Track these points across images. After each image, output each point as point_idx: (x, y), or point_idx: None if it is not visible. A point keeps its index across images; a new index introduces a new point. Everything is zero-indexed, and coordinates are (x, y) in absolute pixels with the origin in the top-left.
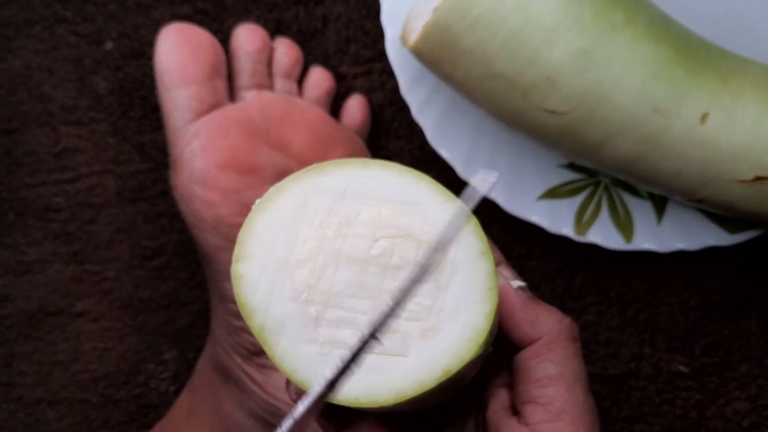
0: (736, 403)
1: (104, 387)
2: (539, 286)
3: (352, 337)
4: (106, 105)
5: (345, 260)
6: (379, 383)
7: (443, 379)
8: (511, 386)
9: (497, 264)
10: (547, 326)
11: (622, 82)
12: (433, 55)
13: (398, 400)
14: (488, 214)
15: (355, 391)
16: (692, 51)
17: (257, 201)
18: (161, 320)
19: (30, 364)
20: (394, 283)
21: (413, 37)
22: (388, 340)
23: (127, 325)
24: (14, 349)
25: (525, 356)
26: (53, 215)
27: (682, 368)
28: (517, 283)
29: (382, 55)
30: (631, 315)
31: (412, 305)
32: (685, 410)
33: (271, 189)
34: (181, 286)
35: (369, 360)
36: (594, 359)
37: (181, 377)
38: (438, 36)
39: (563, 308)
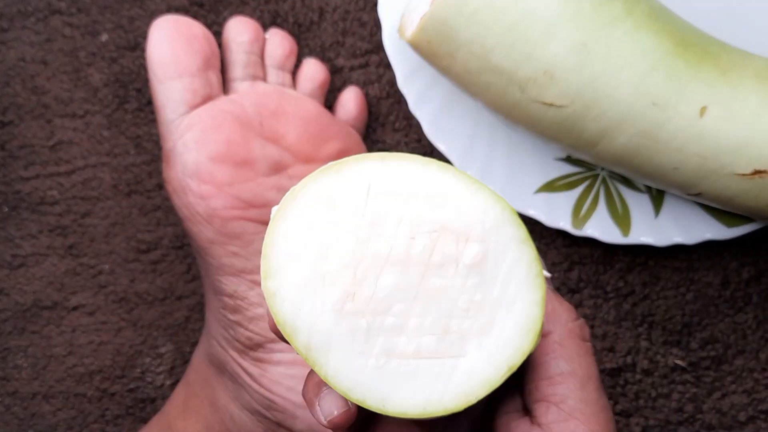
0: (733, 397)
1: (100, 381)
2: None
3: (408, 344)
4: (101, 97)
5: (384, 263)
6: (444, 389)
7: (509, 374)
8: (522, 383)
9: None
10: (560, 322)
11: (621, 75)
12: (431, 48)
13: (468, 404)
14: None
15: (420, 402)
16: (691, 43)
17: (274, 209)
18: (157, 314)
19: (25, 357)
20: (440, 281)
21: (410, 29)
22: (444, 342)
23: (122, 318)
24: (9, 343)
25: (537, 351)
26: (48, 208)
27: (678, 362)
28: (544, 273)
29: (378, 48)
30: (628, 309)
31: (462, 302)
32: (681, 404)
33: (288, 193)
34: (177, 279)
35: (427, 366)
36: None
37: (176, 371)
38: (435, 29)
39: None
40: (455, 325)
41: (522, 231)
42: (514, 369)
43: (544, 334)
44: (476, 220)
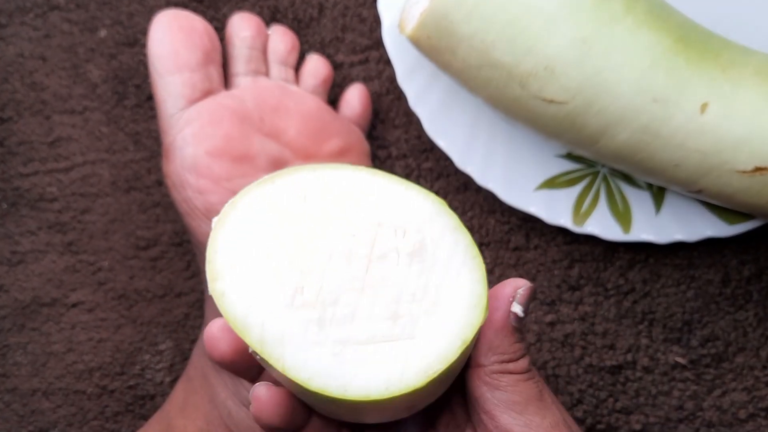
0: (733, 394)
1: (99, 378)
2: (536, 277)
3: (362, 331)
4: (99, 93)
5: (328, 258)
6: (403, 369)
7: (463, 348)
8: (469, 411)
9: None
10: (494, 355)
11: (621, 71)
12: (431, 43)
13: (429, 379)
14: (486, 205)
15: (382, 383)
16: (692, 40)
17: (214, 219)
18: (156, 311)
19: (25, 354)
20: (384, 271)
21: (410, 25)
22: (396, 326)
23: (122, 315)
24: (8, 340)
25: (474, 383)
26: (47, 205)
27: (678, 359)
28: (518, 308)
29: (378, 44)
30: (628, 306)
31: (408, 288)
32: (682, 401)
33: (227, 205)
34: (177, 276)
35: (383, 349)
36: (590, 350)
37: (176, 368)
38: (435, 24)
39: (560, 299)
40: (404, 309)
41: (455, 219)
42: (468, 342)
43: (476, 366)
44: (411, 214)
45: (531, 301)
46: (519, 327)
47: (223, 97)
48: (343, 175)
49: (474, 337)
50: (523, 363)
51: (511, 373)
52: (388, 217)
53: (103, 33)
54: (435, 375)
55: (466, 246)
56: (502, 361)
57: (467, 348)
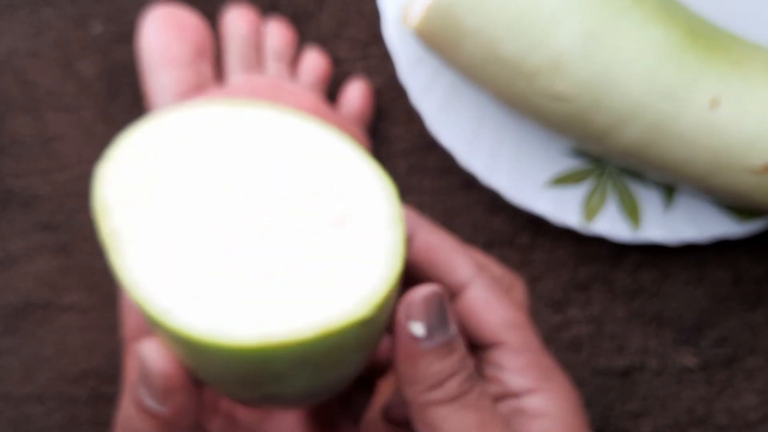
0: (744, 397)
1: (94, 382)
2: (543, 277)
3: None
4: (94, 91)
5: (247, 218)
6: (339, 301)
7: (396, 280)
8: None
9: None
10: (419, 387)
11: (630, 66)
12: (435, 37)
13: (374, 306)
14: (490, 204)
15: (310, 319)
16: (701, 35)
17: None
18: None
19: (17, 358)
20: (306, 236)
21: (415, 18)
22: (315, 284)
23: (117, 317)
24: (0, 344)
25: (414, 423)
26: (40, 205)
27: (688, 361)
28: (416, 328)
29: (379, 39)
30: (637, 307)
31: (332, 251)
32: (692, 404)
33: (124, 137)
34: None
35: (304, 290)
36: (599, 352)
37: None
38: (440, 17)
39: (567, 300)
40: (324, 274)
41: (389, 188)
42: (393, 282)
43: (407, 403)
44: (340, 175)
45: (439, 310)
46: (429, 345)
47: (214, 94)
48: (269, 116)
49: (396, 283)
50: (451, 387)
51: (438, 403)
52: (312, 176)
53: (96, 29)
54: (381, 301)
55: (392, 214)
56: (423, 391)
57: (397, 284)
